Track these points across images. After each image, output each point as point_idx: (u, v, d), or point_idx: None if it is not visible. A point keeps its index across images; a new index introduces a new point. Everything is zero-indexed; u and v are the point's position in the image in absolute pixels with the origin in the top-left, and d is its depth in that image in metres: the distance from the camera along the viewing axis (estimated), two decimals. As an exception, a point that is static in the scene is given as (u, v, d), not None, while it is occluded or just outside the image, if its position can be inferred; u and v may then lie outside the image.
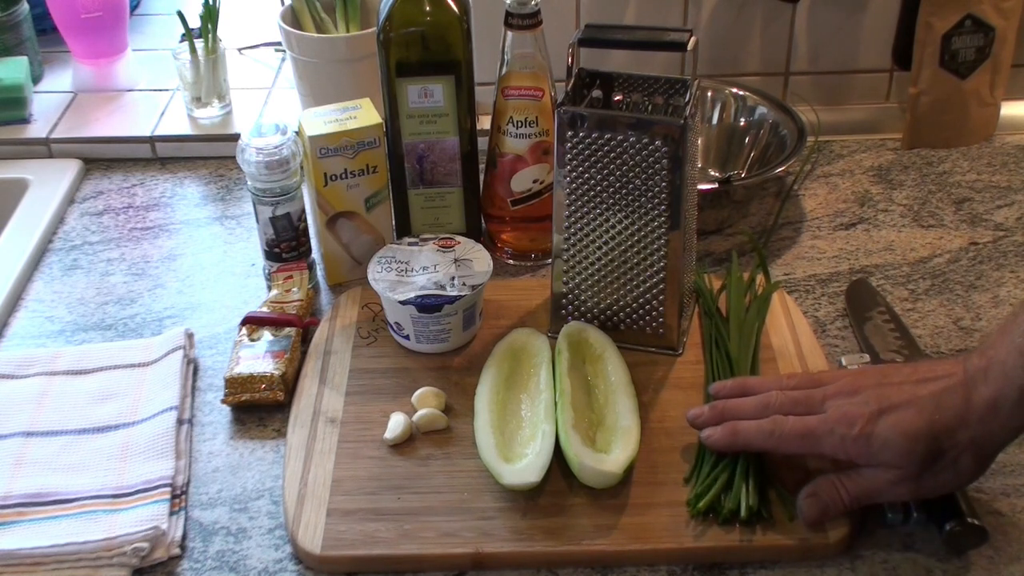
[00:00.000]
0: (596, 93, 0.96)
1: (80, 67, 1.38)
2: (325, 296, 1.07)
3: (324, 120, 1.01)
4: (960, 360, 0.75)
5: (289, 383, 0.93)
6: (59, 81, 1.40)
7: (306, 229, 1.05)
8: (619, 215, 0.91)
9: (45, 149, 1.28)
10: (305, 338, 0.99)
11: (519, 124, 1.02)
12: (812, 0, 1.27)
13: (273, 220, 1.02)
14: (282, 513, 0.83)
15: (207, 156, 1.29)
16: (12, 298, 1.06)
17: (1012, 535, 0.79)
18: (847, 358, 0.93)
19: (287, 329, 0.97)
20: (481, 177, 1.09)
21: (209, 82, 1.29)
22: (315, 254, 1.08)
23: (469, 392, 0.91)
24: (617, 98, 0.96)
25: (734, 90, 1.23)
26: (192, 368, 0.97)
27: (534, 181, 1.04)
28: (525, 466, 0.81)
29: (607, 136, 0.88)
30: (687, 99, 0.91)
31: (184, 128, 1.30)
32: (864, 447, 0.74)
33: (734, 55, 1.30)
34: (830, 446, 0.76)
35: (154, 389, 0.93)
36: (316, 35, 1.23)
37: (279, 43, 1.33)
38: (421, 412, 0.88)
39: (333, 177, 1.01)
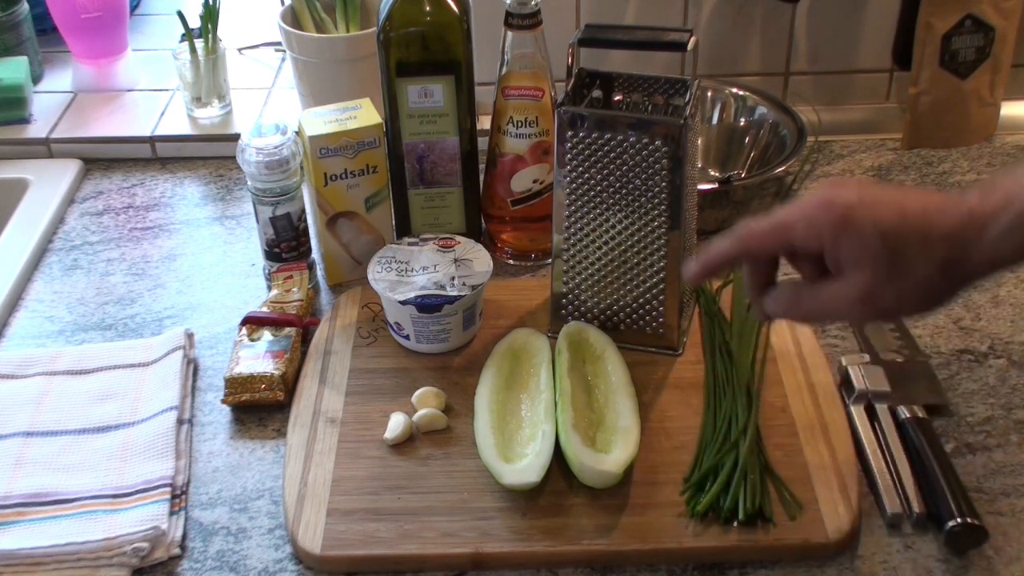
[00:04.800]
0: (596, 93, 0.96)
1: (80, 67, 1.38)
2: (325, 296, 1.07)
3: (324, 120, 1.01)
4: (962, 194, 0.70)
5: (289, 383, 0.93)
6: (59, 81, 1.40)
7: (306, 229, 1.05)
8: (619, 215, 0.91)
9: (45, 149, 1.28)
10: (305, 338, 0.99)
11: (519, 124, 1.02)
12: (812, 0, 1.27)
13: (273, 220, 1.02)
14: (282, 513, 0.83)
15: (207, 156, 1.28)
16: (12, 298, 1.06)
17: (1012, 535, 0.79)
18: (847, 358, 0.93)
19: (287, 329, 0.97)
20: (481, 177, 1.09)
21: (209, 82, 1.29)
22: (315, 254, 1.08)
23: (469, 392, 0.90)
24: (617, 98, 0.96)
25: (734, 90, 1.23)
26: (192, 368, 0.97)
27: (534, 181, 1.04)
28: (525, 466, 0.81)
29: (607, 136, 0.88)
30: (687, 99, 0.91)
31: (184, 128, 1.30)
32: (838, 234, 0.69)
33: (734, 55, 1.30)
34: (802, 232, 0.71)
35: (154, 389, 0.93)
36: (316, 35, 1.23)
37: (279, 43, 1.33)
38: (421, 412, 0.88)
39: (333, 177, 1.01)
